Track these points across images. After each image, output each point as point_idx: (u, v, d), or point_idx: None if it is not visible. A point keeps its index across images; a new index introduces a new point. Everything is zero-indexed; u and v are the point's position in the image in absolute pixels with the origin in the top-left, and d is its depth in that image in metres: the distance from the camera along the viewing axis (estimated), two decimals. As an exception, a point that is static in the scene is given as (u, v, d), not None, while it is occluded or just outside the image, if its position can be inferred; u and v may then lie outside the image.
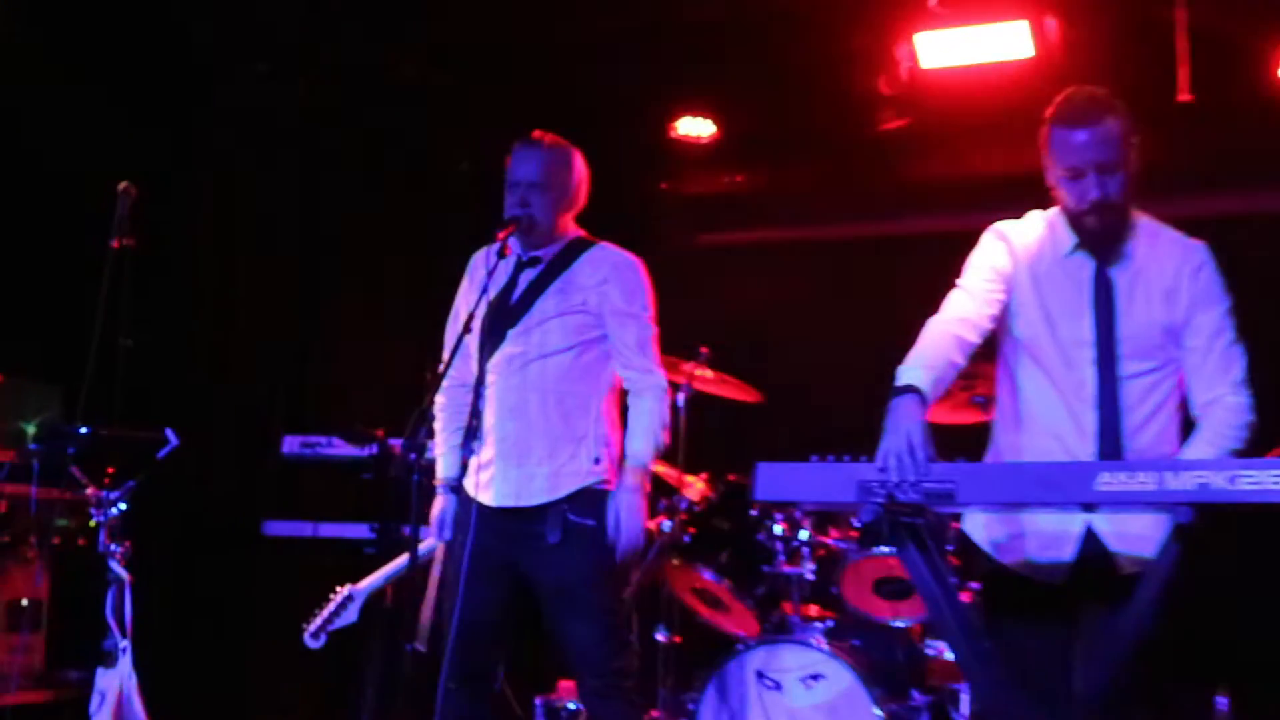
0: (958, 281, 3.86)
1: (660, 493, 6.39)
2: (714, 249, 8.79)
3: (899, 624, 5.90)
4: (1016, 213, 3.93)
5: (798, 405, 7.55)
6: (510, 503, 4.42)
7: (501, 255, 4.42)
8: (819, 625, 5.89)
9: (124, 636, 4.92)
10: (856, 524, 5.97)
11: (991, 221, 3.93)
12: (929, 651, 5.93)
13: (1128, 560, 3.61)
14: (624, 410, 4.62)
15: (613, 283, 4.52)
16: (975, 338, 3.75)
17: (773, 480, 3.42)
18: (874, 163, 7.87)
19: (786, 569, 6.02)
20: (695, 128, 8.12)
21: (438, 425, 4.64)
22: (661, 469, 6.39)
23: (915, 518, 3.38)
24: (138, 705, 4.96)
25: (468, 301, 4.55)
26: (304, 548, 7.01)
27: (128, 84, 6.58)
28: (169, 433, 5.08)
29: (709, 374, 6.40)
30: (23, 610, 5.65)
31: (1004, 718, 3.44)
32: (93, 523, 5.07)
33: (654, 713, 5.94)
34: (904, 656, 5.94)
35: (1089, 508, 3.41)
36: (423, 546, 4.49)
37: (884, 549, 5.77)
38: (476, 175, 8.16)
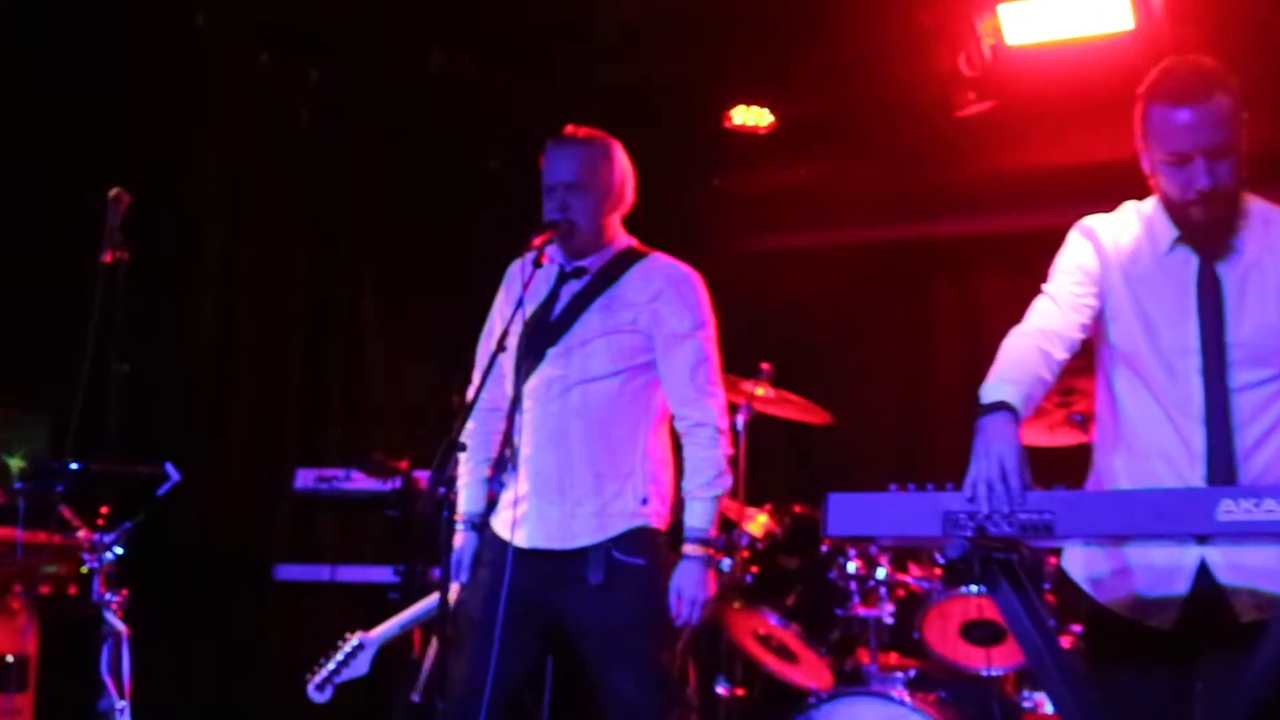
0: (1043, 287, 3.80)
1: (718, 528, 6.37)
2: (773, 252, 8.78)
3: (991, 673, 5.84)
4: (1115, 207, 3.88)
5: (871, 427, 7.55)
6: (544, 544, 4.38)
7: (538, 264, 4.40)
8: (900, 675, 5.84)
9: (121, 697, 4.93)
10: (941, 561, 6.01)
11: (1088, 215, 3.88)
12: (1025, 704, 5.87)
13: (1247, 596, 3.55)
14: (677, 442, 4.58)
15: (665, 299, 4.45)
16: (1063, 352, 3.68)
17: (846, 512, 3.38)
18: (952, 153, 7.83)
19: (862, 612, 5.98)
20: (751, 117, 8.10)
21: (462, 454, 4.61)
22: (719, 501, 6.37)
23: (1009, 553, 3.33)
24: (137, 773, 4.97)
25: (503, 316, 4.51)
26: (321, 594, 7.03)
27: (117, 77, 6.61)
28: (169, 467, 5.09)
29: (770, 393, 6.37)
30: (8, 668, 5.65)
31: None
32: (85, 569, 5.08)
33: (714, 775, 5.92)
34: (997, 710, 5.87)
35: (1203, 540, 3.36)
36: (453, 595, 4.46)
37: (972, 589, 5.71)
38: (509, 174, 8.18)
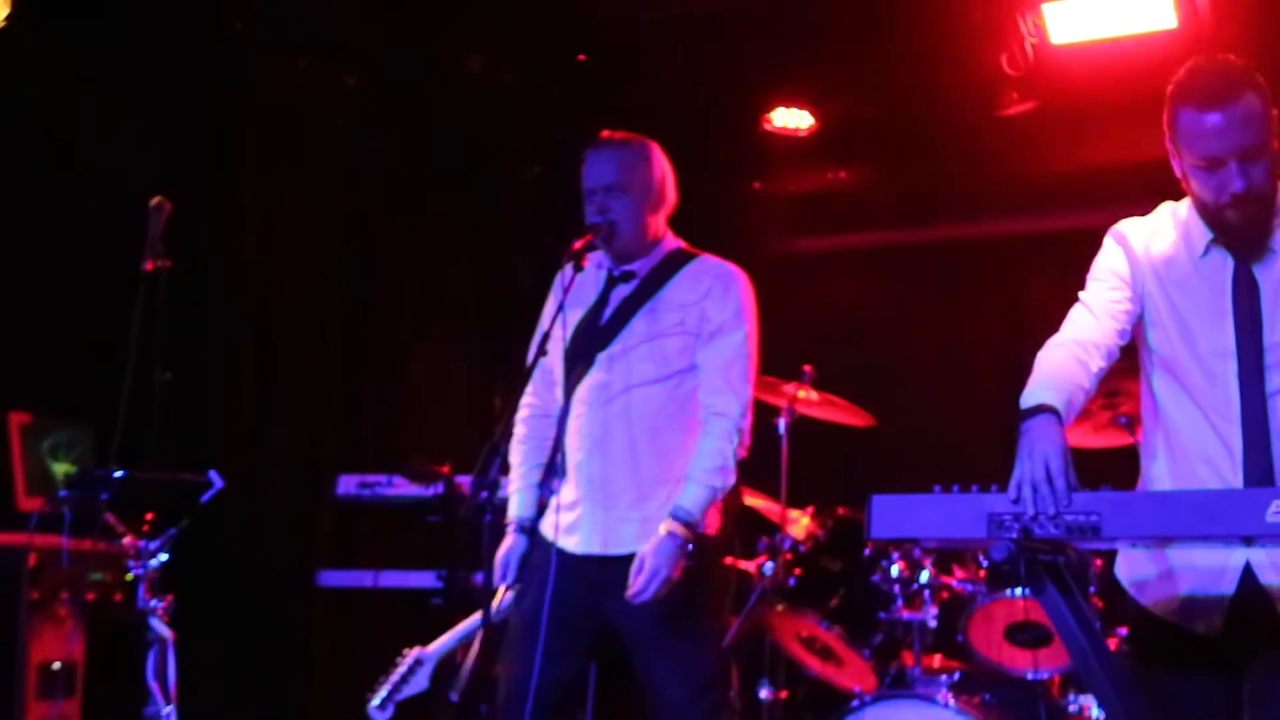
0: (1079, 295, 3.78)
1: (761, 531, 6.37)
2: (814, 254, 8.78)
3: (1036, 676, 5.82)
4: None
5: (915, 429, 7.52)
6: (597, 550, 4.40)
7: (578, 268, 4.41)
8: (944, 678, 5.82)
9: (167, 702, 4.96)
10: (985, 563, 5.99)
11: (1131, 217, 3.86)
12: (1071, 708, 5.84)
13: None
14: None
15: (712, 297, 4.46)
16: (1101, 361, 3.65)
17: (890, 514, 3.37)
18: (995, 153, 7.80)
19: (906, 615, 5.97)
20: (791, 119, 8.09)
21: (514, 459, 4.62)
22: (762, 504, 6.37)
23: (1055, 555, 3.32)
24: (183, 778, 5.00)
25: (549, 322, 4.54)
26: (364, 600, 7.05)
27: (155, 84, 6.65)
28: (213, 474, 5.12)
29: (813, 395, 6.37)
30: (55, 675, 5.69)
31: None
32: (130, 576, 5.12)
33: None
34: (1043, 713, 5.85)
35: (1249, 541, 3.34)
36: (499, 601, 4.47)
37: (1017, 591, 5.70)
38: (548, 180, 8.20)
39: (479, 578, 6.29)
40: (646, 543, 4.33)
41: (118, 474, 5.04)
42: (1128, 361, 3.76)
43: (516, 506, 4.59)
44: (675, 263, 4.55)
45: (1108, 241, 3.80)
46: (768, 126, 8.13)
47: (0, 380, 6.14)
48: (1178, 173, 3.64)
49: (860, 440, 6.77)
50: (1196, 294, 3.65)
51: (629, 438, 4.41)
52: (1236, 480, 3.54)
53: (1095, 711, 5.73)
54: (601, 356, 4.46)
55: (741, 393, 4.43)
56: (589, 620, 4.40)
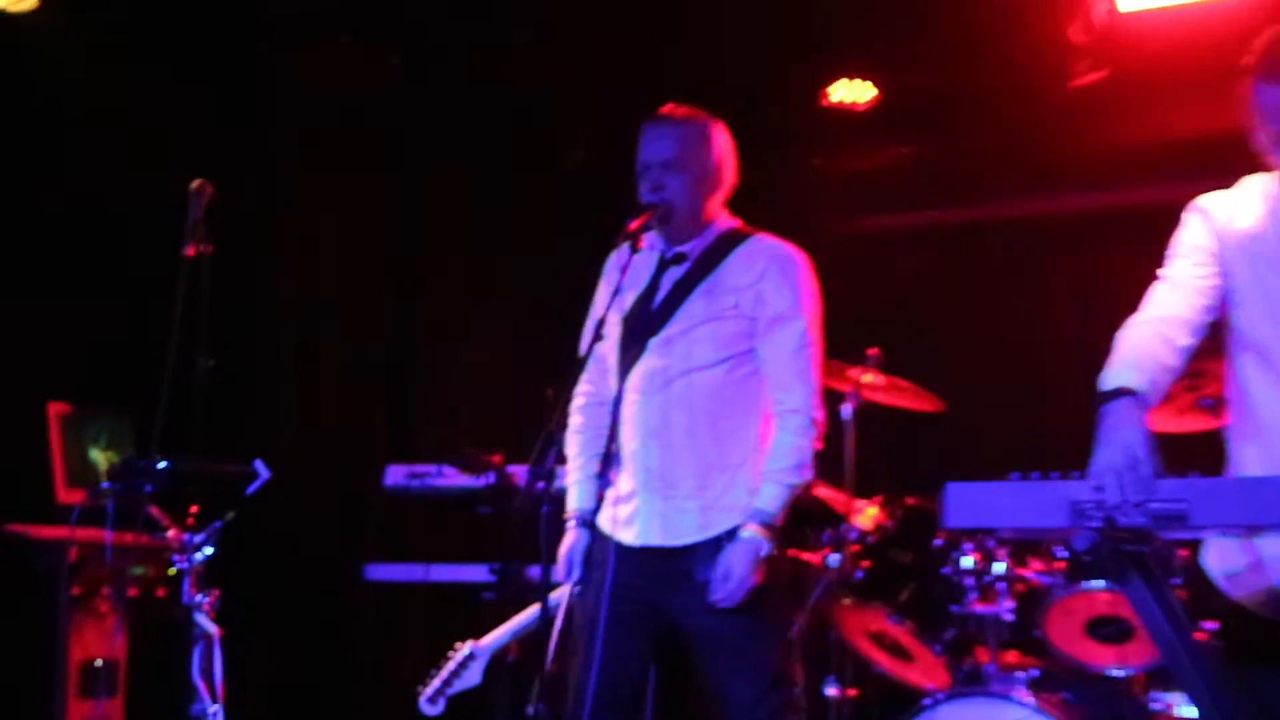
0: (1159, 272, 3.72)
1: (826, 521, 6.33)
2: (878, 233, 8.72)
3: (1118, 672, 5.76)
4: (1238, 178, 3.78)
5: (986, 414, 7.46)
6: (656, 541, 4.37)
7: (634, 249, 4.38)
8: (1021, 675, 5.77)
9: (214, 700, 4.96)
10: (1063, 554, 5.93)
11: (1208, 192, 3.79)
12: (1155, 706, 5.77)
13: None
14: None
15: (769, 279, 4.42)
16: (1188, 338, 3.59)
17: (965, 503, 3.33)
18: (1065, 125, 7.72)
19: (980, 608, 5.91)
20: (852, 92, 8.04)
21: (571, 449, 4.60)
22: (827, 493, 6.34)
23: (1140, 545, 3.27)
24: (230, 779, 5.00)
25: (604, 307, 4.51)
26: (413, 594, 7.05)
27: (193, 65, 6.66)
28: (259, 465, 5.11)
29: (879, 379, 6.33)
30: (97, 672, 5.73)
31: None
32: (174, 570, 5.12)
33: (825, 780, 5.89)
34: (1127, 712, 5.80)
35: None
36: (555, 595, 4.46)
37: (1097, 583, 5.64)
38: (598, 159, 8.17)
39: (533, 571, 6.35)
40: (706, 532, 4.31)
41: (161, 465, 5.03)
42: (1211, 341, 3.70)
43: (576, 499, 4.57)
44: (729, 243, 4.52)
45: (1189, 216, 3.74)
46: (826, 100, 8.08)
47: (38, 369, 6.18)
48: (1257, 145, 3.57)
49: (929, 426, 6.73)
50: (1284, 269, 3.59)
51: (686, 424, 4.39)
52: (1327, 466, 3.48)
53: (1182, 710, 5.66)
54: (655, 341, 4.43)
55: (811, 383, 4.41)
56: (649, 616, 4.39)
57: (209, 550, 5.07)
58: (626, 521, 4.41)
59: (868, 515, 6.37)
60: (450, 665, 5.49)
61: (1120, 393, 3.38)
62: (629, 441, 4.43)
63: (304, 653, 6.97)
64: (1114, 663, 5.76)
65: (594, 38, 7.57)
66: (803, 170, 8.72)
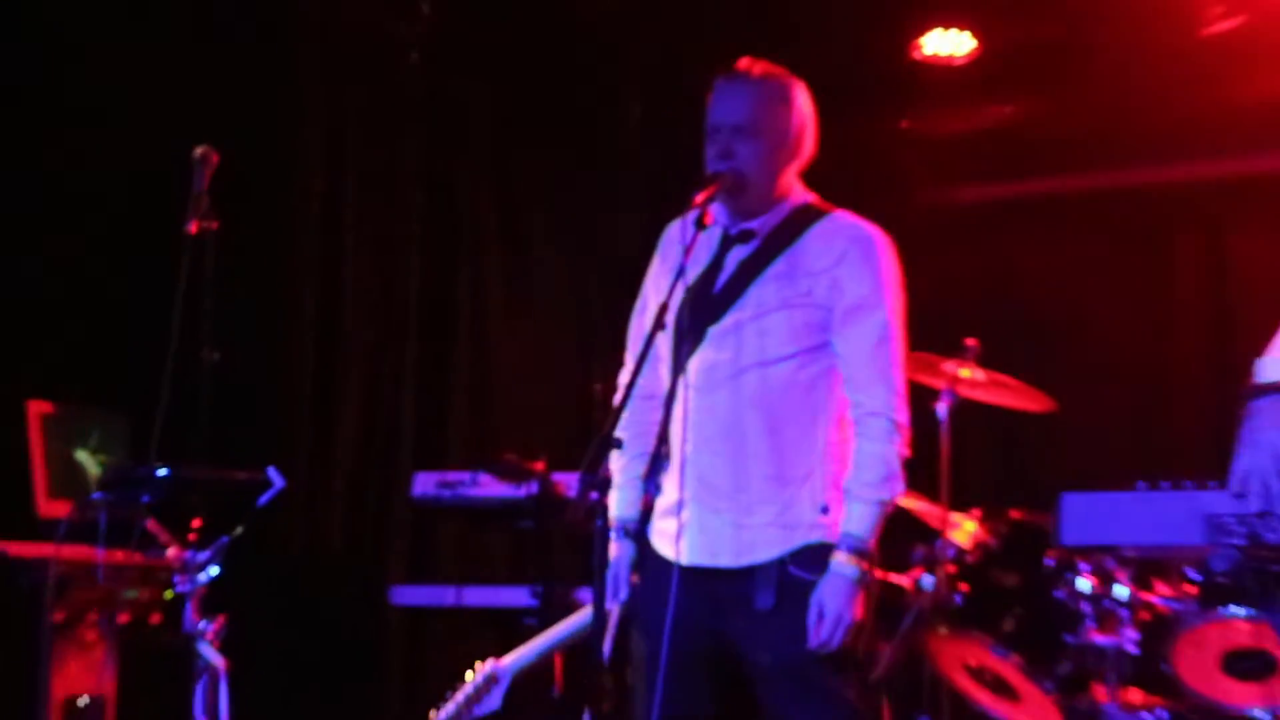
0: None
1: (917, 538, 6.32)
2: (977, 206, 8.71)
3: (1262, 714, 5.72)
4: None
5: (1104, 414, 7.44)
6: (708, 560, 4.35)
7: (700, 225, 4.35)
8: (1146, 715, 5.75)
9: (219, 742, 4.99)
10: (1197, 576, 5.90)
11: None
12: (1303, 751, 5.77)
13: None
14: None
15: (848, 264, 4.37)
16: None
17: (1083, 517, 3.34)
18: (1196, 80, 7.69)
19: (1098, 639, 5.88)
20: (948, 44, 8.03)
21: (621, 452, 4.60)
22: (917, 505, 6.32)
23: (1289, 565, 3.26)
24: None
25: (659, 289, 4.48)
26: (445, 620, 7.08)
27: (196, 20, 6.69)
28: (272, 472, 5.13)
29: (978, 375, 6.31)
30: (83, 711, 5.75)
31: None
32: (173, 593, 5.14)
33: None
34: (1269, 758, 5.78)
35: None
36: (575, 618, 4.47)
37: (1237, 609, 5.60)
38: (653, 124, 8.17)
39: (583, 594, 6.37)
40: (766, 553, 4.30)
41: (161, 472, 5.06)
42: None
43: (618, 505, 4.55)
44: (802, 220, 4.48)
45: None
46: (919, 53, 8.07)
47: (17, 362, 6.21)
48: None
49: (1037, 428, 6.72)
50: None
51: (752, 426, 4.36)
52: None
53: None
54: (714, 330, 4.40)
55: (894, 382, 4.36)
56: (711, 647, 4.37)
57: (214, 570, 5.08)
58: (674, 537, 4.39)
59: (965, 531, 6.35)
60: (468, 687, 5.49)
61: (1275, 387, 3.37)
62: (680, 445, 4.40)
63: (321, 688, 6.99)
64: (1257, 703, 5.71)
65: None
66: (890, 134, 8.72)
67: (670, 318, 4.33)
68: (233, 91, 6.75)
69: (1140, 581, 5.92)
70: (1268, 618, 3.33)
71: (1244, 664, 5.70)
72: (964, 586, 6.31)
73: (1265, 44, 7.40)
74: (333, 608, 7.07)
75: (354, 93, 7.50)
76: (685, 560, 4.36)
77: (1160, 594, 5.92)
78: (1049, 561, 6.03)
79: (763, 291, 4.41)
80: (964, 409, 6.30)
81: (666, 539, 4.41)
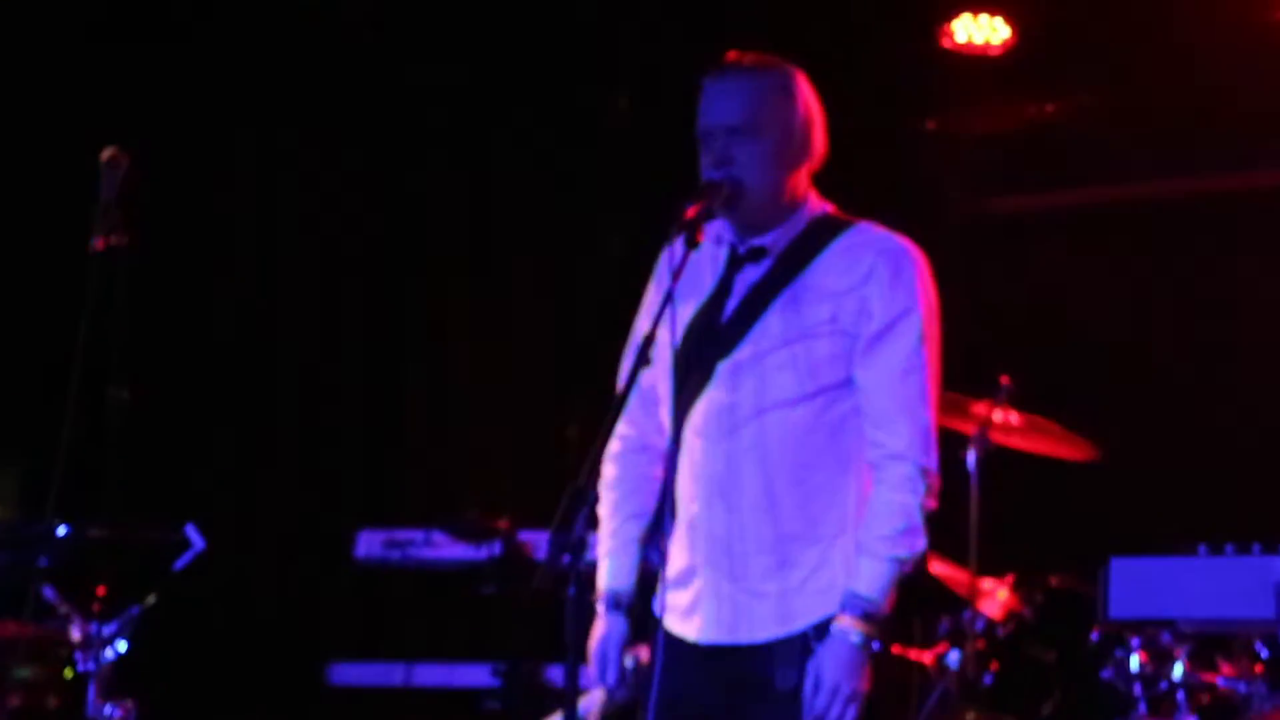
0: None
1: (942, 607, 6.32)
2: (1012, 219, 8.72)
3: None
4: None
5: (1161, 463, 7.42)
6: (724, 637, 4.34)
7: (691, 244, 4.34)
8: (1206, 815, 5.76)
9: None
10: (1267, 653, 5.90)
11: None
12: None
13: None
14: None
15: (875, 282, 4.36)
16: None
17: (1135, 585, 3.35)
18: (1268, 73, 7.72)
19: (1152, 725, 5.91)
20: (980, 32, 8.05)
21: (603, 509, 4.56)
22: (943, 570, 6.33)
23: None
24: None
25: (652, 318, 4.49)
26: (393, 703, 7.07)
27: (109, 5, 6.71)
28: (190, 531, 5.13)
29: (1013, 418, 6.31)
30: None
31: None
32: (72, 671, 5.14)
33: None
34: None
35: None
36: (584, 703, 4.45)
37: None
38: (643, 119, 8.18)
39: (554, 673, 6.36)
40: (788, 625, 4.29)
41: (59, 531, 5.06)
42: None
43: (608, 575, 4.54)
44: (822, 234, 4.47)
45: None
46: (947, 43, 8.09)
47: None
48: None
49: (1081, 480, 6.71)
50: None
51: (763, 480, 4.34)
52: None
53: None
54: (723, 367, 4.38)
55: (921, 420, 4.33)
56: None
57: (122, 646, 5.08)
58: (686, 611, 4.37)
59: (997, 600, 6.35)
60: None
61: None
62: (688, 503, 4.39)
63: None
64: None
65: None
66: (914, 135, 8.74)
67: (665, 353, 4.32)
68: (150, 85, 6.76)
69: (1200, 660, 5.92)
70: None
71: (1321, 755, 5.72)
72: (995, 665, 6.31)
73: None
74: (262, 689, 7.05)
75: (293, 82, 7.50)
76: (699, 638, 4.36)
77: (1224, 674, 5.92)
78: (1094, 636, 6.03)
79: (778, 319, 4.37)
80: (997, 457, 6.30)
81: (676, 614, 4.40)
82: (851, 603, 4.23)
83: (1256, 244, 8.09)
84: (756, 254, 4.44)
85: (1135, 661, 5.95)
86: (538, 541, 6.45)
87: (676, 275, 4.30)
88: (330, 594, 7.38)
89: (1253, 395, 7.83)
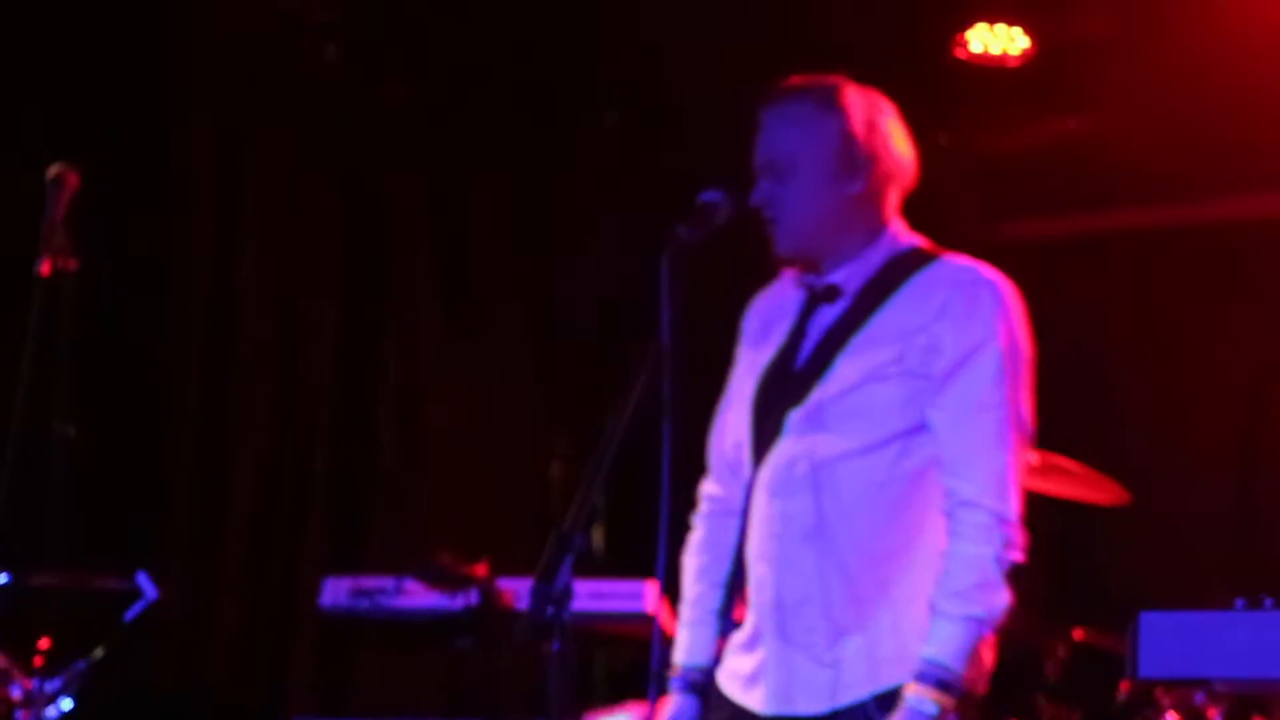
0: None
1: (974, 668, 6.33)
2: (1032, 244, 8.73)
3: None
4: None
5: (1196, 509, 7.43)
6: (784, 708, 4.33)
7: (682, 272, 4.33)
8: None
9: None
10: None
11: None
12: None
13: None
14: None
15: (950, 317, 4.29)
16: None
17: (1166, 641, 3.34)
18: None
19: (1183, 792, 5.90)
20: (998, 42, 8.07)
21: (687, 575, 4.49)
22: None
23: None
24: None
25: (742, 374, 4.49)
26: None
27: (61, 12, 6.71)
28: (142, 579, 5.12)
29: (1034, 458, 6.30)
30: None
31: None
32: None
33: None
34: None
35: None
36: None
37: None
38: (635, 134, 8.18)
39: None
40: (859, 694, 4.26)
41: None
42: None
43: (685, 649, 4.51)
44: (901, 270, 4.37)
45: None
46: (962, 53, 8.11)
47: None
48: None
49: (1107, 526, 6.71)
50: None
51: (833, 535, 4.29)
52: None
53: None
54: (794, 416, 4.33)
55: (997, 462, 4.24)
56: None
57: (67, 704, 5.08)
58: (749, 679, 4.35)
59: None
60: None
61: None
62: (754, 564, 4.35)
63: None
64: None
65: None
66: (926, 152, 8.70)
67: (731, 402, 4.35)
68: (100, 97, 6.76)
69: (1238, 720, 5.93)
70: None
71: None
72: (1015, 723, 6.32)
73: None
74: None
75: (255, 97, 7.50)
76: (762, 709, 4.34)
77: (1263, 737, 5.93)
78: (1122, 696, 6.04)
79: (849, 363, 4.28)
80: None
81: (740, 682, 4.40)
82: (925, 670, 4.13)
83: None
84: (830, 294, 4.37)
85: (1170, 723, 5.97)
86: (519, 590, 6.42)
87: (669, 305, 4.26)
88: (293, 648, 7.35)
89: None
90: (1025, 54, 8.10)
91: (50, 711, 5.05)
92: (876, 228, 4.40)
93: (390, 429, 7.94)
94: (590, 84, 8.28)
